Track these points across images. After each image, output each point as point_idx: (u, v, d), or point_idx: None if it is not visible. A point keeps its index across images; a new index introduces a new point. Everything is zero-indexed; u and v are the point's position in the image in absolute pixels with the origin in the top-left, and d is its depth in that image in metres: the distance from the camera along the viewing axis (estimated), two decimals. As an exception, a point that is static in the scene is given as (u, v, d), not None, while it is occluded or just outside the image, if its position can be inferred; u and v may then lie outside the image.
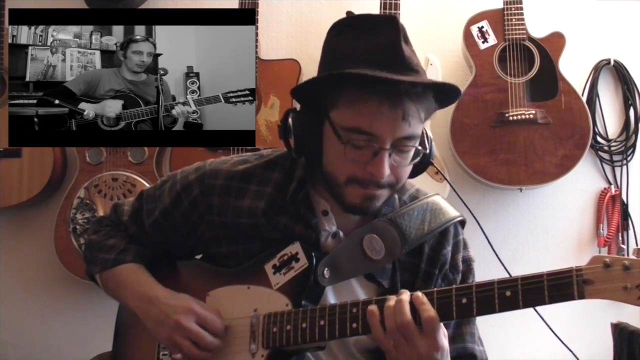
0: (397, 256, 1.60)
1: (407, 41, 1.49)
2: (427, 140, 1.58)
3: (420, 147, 1.52)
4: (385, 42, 1.45)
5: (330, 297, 1.60)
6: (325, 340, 1.51)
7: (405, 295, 1.42)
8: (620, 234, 3.12)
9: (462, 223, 1.70)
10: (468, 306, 1.37)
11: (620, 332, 2.51)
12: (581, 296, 1.27)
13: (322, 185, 1.60)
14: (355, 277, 1.60)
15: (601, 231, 3.15)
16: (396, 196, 1.65)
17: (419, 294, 1.41)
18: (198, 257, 1.82)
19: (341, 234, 1.62)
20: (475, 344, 1.68)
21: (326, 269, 1.56)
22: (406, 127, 1.45)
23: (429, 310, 1.39)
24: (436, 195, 1.71)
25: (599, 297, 1.26)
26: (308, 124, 1.53)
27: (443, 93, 1.51)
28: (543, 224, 3.22)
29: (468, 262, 1.70)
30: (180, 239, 1.75)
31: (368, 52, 1.45)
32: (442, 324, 1.41)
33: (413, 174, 1.60)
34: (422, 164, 1.59)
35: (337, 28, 1.53)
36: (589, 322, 3.06)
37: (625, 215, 3.14)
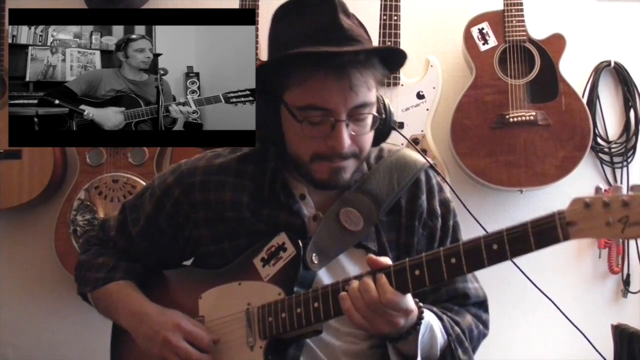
0: (376, 221, 1.62)
1: (348, 15, 1.53)
2: (385, 106, 1.62)
3: (376, 114, 1.55)
4: (324, 20, 1.49)
5: (324, 278, 1.61)
6: (321, 321, 1.52)
7: (368, 280, 1.43)
8: (620, 236, 3.12)
9: (432, 168, 1.72)
10: (457, 265, 1.38)
11: (621, 334, 2.51)
12: (566, 237, 1.29)
13: (294, 168, 1.63)
14: (343, 252, 1.62)
15: (601, 232, 3.15)
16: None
17: (381, 275, 1.43)
18: (187, 262, 1.83)
19: (321, 215, 1.64)
20: (467, 282, 1.70)
21: (314, 254, 1.58)
22: (357, 96, 1.48)
23: (385, 292, 1.40)
24: (400, 149, 1.73)
25: (584, 235, 1.28)
26: (266, 111, 1.58)
27: (389, 58, 1.55)
28: (543, 226, 3.21)
29: (446, 204, 1.72)
30: (168, 243, 1.77)
31: (309, 31, 1.49)
32: (407, 295, 1.43)
33: (377, 142, 1.63)
34: (384, 131, 1.63)
35: (279, 15, 1.58)
36: (589, 324, 3.05)
37: (625, 216, 3.13)
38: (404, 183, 1.65)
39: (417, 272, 1.41)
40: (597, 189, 1.31)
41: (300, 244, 1.58)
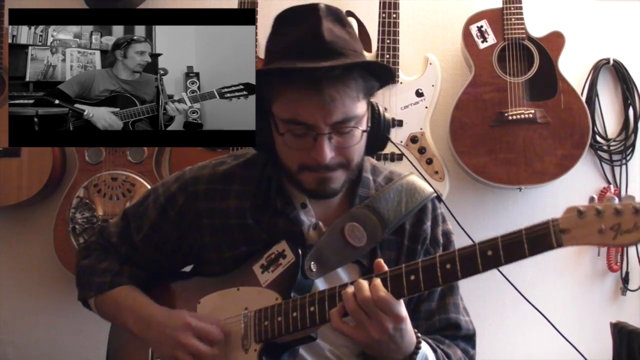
0: (379, 240, 1.64)
1: (342, 24, 1.54)
2: (379, 116, 1.61)
3: (361, 128, 1.55)
4: (307, 31, 1.49)
5: (321, 286, 1.62)
6: (317, 325, 1.53)
7: (362, 280, 1.46)
8: (619, 234, 3.12)
9: (438, 198, 1.75)
10: (452, 270, 1.41)
11: (620, 332, 2.52)
12: (559, 244, 1.32)
13: (287, 178, 1.65)
14: (342, 266, 1.63)
15: (600, 230, 3.15)
16: (371, 178, 1.70)
17: (375, 278, 1.45)
18: (187, 269, 1.84)
19: (321, 224, 1.66)
20: (459, 314, 1.72)
21: (312, 262, 1.60)
22: (337, 110, 1.48)
23: (378, 290, 1.42)
24: (410, 175, 1.74)
25: (577, 243, 1.32)
26: (260, 121, 1.59)
27: (375, 71, 1.55)
28: (542, 224, 3.21)
29: (447, 235, 1.75)
30: (171, 250, 1.77)
31: (292, 43, 1.50)
32: (400, 301, 1.45)
33: (372, 151, 1.64)
34: (378, 141, 1.63)
35: (274, 25, 1.60)
36: (588, 322, 3.07)
37: (624, 214, 3.13)
38: (412, 207, 1.67)
39: (412, 277, 1.43)
40: (591, 199, 1.34)
41: (300, 252, 1.60)
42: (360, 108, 1.53)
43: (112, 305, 1.77)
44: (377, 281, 1.44)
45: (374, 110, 1.61)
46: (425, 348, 1.54)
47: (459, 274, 1.41)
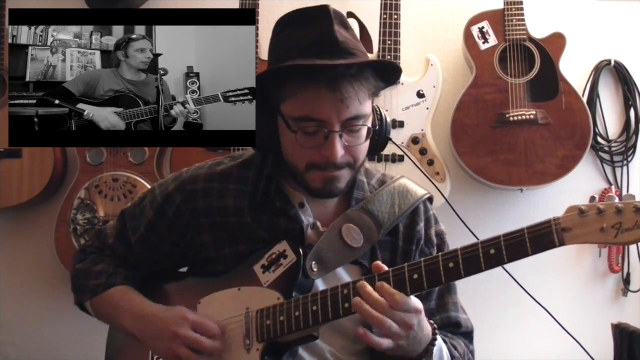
0: (375, 241, 1.67)
1: (346, 27, 1.57)
2: (381, 117, 1.66)
3: (369, 126, 1.59)
4: (320, 32, 1.52)
5: (320, 286, 1.63)
6: (319, 324, 1.54)
7: (366, 286, 1.47)
8: (620, 235, 3.12)
9: (430, 199, 1.78)
10: (455, 269, 1.44)
11: (621, 333, 2.52)
12: (561, 242, 1.35)
13: (291, 177, 1.67)
14: (341, 266, 1.65)
15: (601, 231, 3.15)
16: (365, 180, 1.73)
17: (381, 283, 1.47)
18: (184, 269, 1.83)
19: (319, 224, 1.68)
20: (458, 312, 1.75)
21: (313, 262, 1.62)
22: (349, 108, 1.51)
23: (392, 295, 1.44)
24: (402, 177, 1.77)
25: (579, 241, 1.34)
26: (264, 120, 1.61)
27: (384, 71, 1.59)
28: (543, 225, 3.21)
29: (441, 236, 1.78)
30: (168, 250, 1.77)
31: (305, 43, 1.53)
32: (411, 296, 1.47)
33: (373, 152, 1.67)
34: (380, 142, 1.67)
35: (279, 26, 1.61)
36: (589, 323, 3.06)
37: (625, 215, 3.13)
38: (405, 209, 1.70)
39: (415, 276, 1.46)
40: (592, 199, 1.37)
41: (301, 252, 1.61)
42: (369, 107, 1.58)
43: (108, 307, 1.76)
44: (385, 286, 1.46)
45: (375, 112, 1.64)
46: (439, 339, 1.57)
47: (462, 272, 1.43)
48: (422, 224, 1.73)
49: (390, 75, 1.61)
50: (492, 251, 1.40)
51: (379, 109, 1.66)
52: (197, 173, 1.74)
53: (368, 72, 1.54)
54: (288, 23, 1.59)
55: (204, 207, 1.70)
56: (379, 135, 1.65)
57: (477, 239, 1.44)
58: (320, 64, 1.47)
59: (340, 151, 1.54)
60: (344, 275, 1.66)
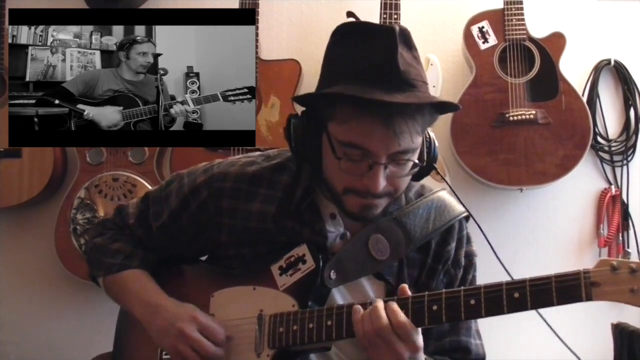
0: (402, 255, 1.61)
1: (410, 47, 1.47)
2: (431, 146, 1.58)
3: (417, 161, 1.51)
4: (381, 57, 1.43)
5: (338, 297, 1.60)
6: (332, 340, 1.51)
7: (380, 302, 1.44)
8: (620, 234, 3.12)
9: (467, 218, 1.70)
10: (476, 307, 1.38)
11: (621, 332, 2.51)
12: (589, 298, 1.29)
13: (327, 191, 1.60)
14: (361, 277, 1.60)
15: (601, 231, 3.15)
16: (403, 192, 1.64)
17: (393, 302, 1.43)
18: (203, 258, 1.82)
19: (349, 235, 1.63)
20: (470, 337, 1.68)
21: (332, 271, 1.57)
22: (400, 143, 1.44)
23: (398, 315, 1.41)
24: (442, 190, 1.71)
25: (607, 299, 1.28)
26: (308, 131, 1.54)
27: (442, 108, 1.52)
28: (543, 224, 3.22)
29: (470, 257, 1.70)
30: (187, 241, 1.74)
31: (363, 67, 1.44)
32: (418, 329, 1.42)
33: (418, 178, 1.60)
34: (426, 168, 1.58)
35: (337, 34, 1.52)
36: (589, 323, 3.06)
37: (625, 215, 3.13)
38: (439, 225, 1.63)
39: (434, 307, 1.41)
40: (626, 253, 1.32)
41: (320, 259, 1.56)
42: (419, 141, 1.51)
43: (120, 288, 1.74)
44: (395, 306, 1.42)
45: (425, 140, 1.56)
46: None
47: (482, 312, 1.38)
48: (453, 244, 1.66)
49: (447, 110, 1.55)
50: (516, 295, 1.35)
51: (431, 136, 1.58)
52: (228, 170, 1.69)
53: (425, 109, 1.46)
54: (350, 34, 1.50)
55: (229, 207, 1.66)
56: (426, 164, 1.57)
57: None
58: (378, 99, 1.38)
59: (382, 183, 1.47)
60: (369, 290, 1.61)
